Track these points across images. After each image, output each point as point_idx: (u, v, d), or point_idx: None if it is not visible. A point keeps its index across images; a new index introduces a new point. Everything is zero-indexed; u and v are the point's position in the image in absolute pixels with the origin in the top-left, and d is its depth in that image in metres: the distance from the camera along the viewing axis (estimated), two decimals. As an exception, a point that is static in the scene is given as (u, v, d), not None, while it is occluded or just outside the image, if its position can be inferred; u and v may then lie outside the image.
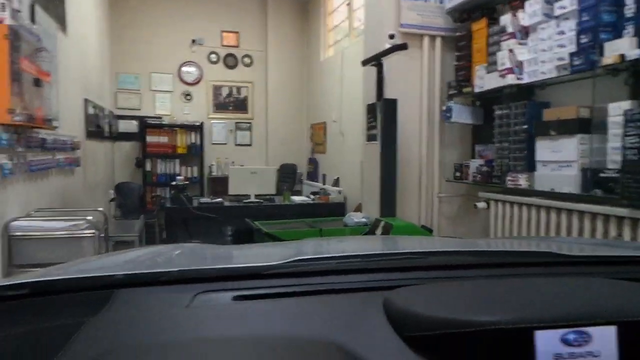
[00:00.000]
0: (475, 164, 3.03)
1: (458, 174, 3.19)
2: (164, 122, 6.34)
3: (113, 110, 6.19)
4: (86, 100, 4.47)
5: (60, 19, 3.61)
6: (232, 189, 4.55)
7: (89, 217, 2.68)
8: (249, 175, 4.64)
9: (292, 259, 0.77)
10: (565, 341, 0.53)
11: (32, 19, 2.88)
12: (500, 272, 0.78)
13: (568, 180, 2.24)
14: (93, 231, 2.60)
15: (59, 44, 3.49)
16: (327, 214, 4.23)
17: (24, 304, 0.65)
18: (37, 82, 2.68)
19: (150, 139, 6.19)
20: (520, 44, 2.56)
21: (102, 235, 2.78)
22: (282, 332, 0.56)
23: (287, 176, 6.02)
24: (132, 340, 0.54)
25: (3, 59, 2.28)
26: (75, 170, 3.94)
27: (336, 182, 5.53)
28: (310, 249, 1.08)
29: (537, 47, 2.45)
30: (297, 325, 0.57)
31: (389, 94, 3.18)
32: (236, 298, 0.66)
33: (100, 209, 3.32)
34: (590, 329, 0.52)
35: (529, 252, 0.98)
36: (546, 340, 0.53)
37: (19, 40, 2.39)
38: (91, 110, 4.69)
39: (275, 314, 0.61)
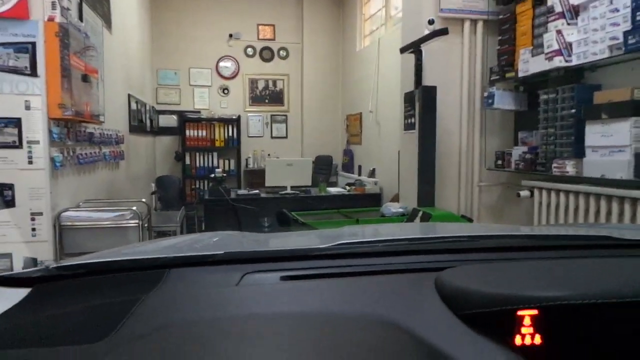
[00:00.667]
0: (518, 151, 2.92)
1: (499, 162, 3.08)
2: (202, 116, 6.48)
3: (154, 105, 6.38)
4: (129, 96, 4.63)
5: (106, 17, 3.74)
6: (269, 181, 4.60)
7: (134, 208, 2.77)
8: (285, 167, 4.67)
9: (338, 242, 0.76)
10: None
11: (80, 17, 2.99)
12: (554, 254, 0.75)
13: (620, 165, 2.12)
14: (137, 221, 2.69)
15: (104, 41, 3.62)
16: (364, 204, 4.21)
17: (83, 282, 0.68)
18: (85, 78, 2.80)
19: (189, 132, 6.35)
20: (569, 24, 2.44)
21: (146, 225, 2.88)
22: (331, 310, 0.55)
23: (323, 167, 6.03)
24: (185, 317, 0.55)
25: (54, 55, 2.39)
26: (120, 163, 4.09)
27: (372, 173, 5.48)
28: (354, 233, 1.07)
29: (588, 26, 2.32)
30: (347, 304, 0.57)
31: (427, 81, 3.11)
32: (284, 278, 0.66)
33: (144, 200, 3.44)
34: None
35: (583, 235, 0.94)
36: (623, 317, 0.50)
37: (68, 38, 2.50)
38: (134, 106, 4.85)
39: (325, 292, 0.61)
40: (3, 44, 2.31)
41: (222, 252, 0.74)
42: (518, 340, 0.50)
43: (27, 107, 2.36)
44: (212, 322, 0.53)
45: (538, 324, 0.51)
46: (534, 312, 0.50)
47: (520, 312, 0.50)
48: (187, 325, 0.53)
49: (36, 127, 2.38)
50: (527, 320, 0.50)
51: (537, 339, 0.50)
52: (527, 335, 0.50)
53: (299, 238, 1.15)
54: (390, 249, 0.77)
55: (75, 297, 0.63)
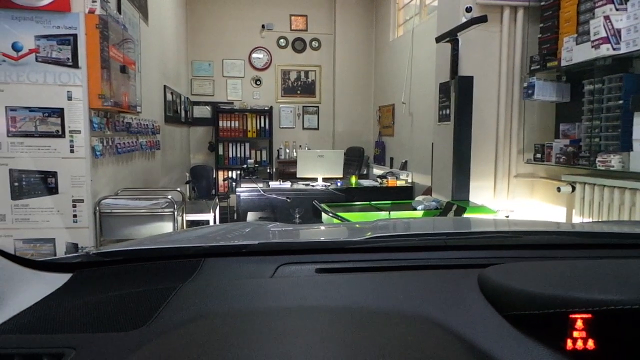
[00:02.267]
0: (559, 144, 2.81)
1: (539, 155, 2.97)
2: (235, 108, 6.56)
3: (188, 96, 6.49)
4: (165, 87, 4.72)
5: (143, 10, 3.81)
6: (300, 172, 4.60)
7: (169, 196, 2.84)
8: (317, 158, 4.67)
9: (373, 236, 0.75)
10: None
11: (119, 9, 3.06)
12: (602, 253, 0.71)
13: (672, 160, 2.00)
14: (172, 210, 2.75)
15: (141, 33, 3.70)
16: (395, 197, 4.16)
17: (121, 269, 0.70)
18: (124, 70, 2.87)
19: (222, 123, 6.44)
20: (617, 9, 2.30)
21: (180, 214, 2.94)
22: (368, 305, 0.54)
23: (354, 159, 5.99)
24: (221, 307, 0.55)
25: (95, 47, 2.46)
26: (156, 153, 4.19)
27: (404, 166, 5.41)
28: (390, 226, 1.05)
29: (638, 12, 2.19)
30: (383, 299, 0.56)
31: (464, 71, 3.02)
32: (319, 270, 0.66)
33: (178, 189, 3.51)
34: None
35: (632, 233, 0.89)
36: None
37: (107, 30, 2.56)
38: (169, 97, 4.95)
39: (360, 286, 0.60)
40: (46, 36, 2.40)
41: (256, 242, 0.74)
42: (569, 344, 0.47)
43: (69, 98, 2.45)
44: (248, 313, 0.53)
45: (591, 328, 0.48)
46: (588, 315, 0.47)
47: (573, 315, 0.47)
48: (223, 316, 0.53)
49: (77, 117, 2.46)
50: (579, 324, 0.48)
51: (590, 344, 0.47)
52: (579, 340, 0.48)
53: (332, 230, 1.14)
54: (428, 243, 0.75)
55: (114, 283, 0.65)
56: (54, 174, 2.45)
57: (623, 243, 0.77)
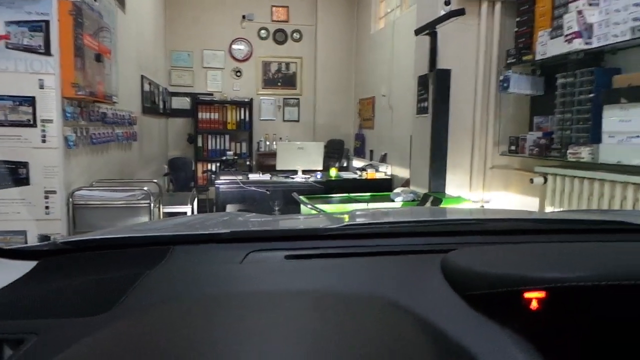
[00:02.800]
0: (532, 136, 2.87)
1: (513, 147, 3.03)
2: (214, 99, 6.49)
3: (167, 87, 6.39)
4: (142, 77, 4.64)
5: (118, -3, 3.73)
6: (280, 164, 4.60)
7: (145, 188, 2.80)
8: (297, 150, 4.66)
9: (345, 223, 0.76)
10: None
11: (92, -4, 2.99)
12: (564, 238, 0.74)
13: (637, 152, 2.07)
14: (148, 201, 2.72)
15: (118, 21, 3.62)
16: (374, 189, 4.19)
17: (89, 257, 0.69)
18: (99, 58, 2.80)
19: (201, 115, 6.37)
20: (590, 4, 2.35)
21: (157, 206, 2.91)
22: (336, 289, 0.55)
23: (335, 152, 6.01)
24: (188, 292, 0.56)
25: (68, 34, 2.40)
26: (133, 144, 4.13)
27: (384, 158, 5.45)
28: (362, 215, 1.07)
29: (610, 7, 2.24)
30: (351, 283, 0.57)
31: (442, 64, 3.06)
32: (288, 257, 0.66)
33: (155, 181, 3.47)
34: None
35: (596, 220, 0.92)
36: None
37: (82, 17, 2.50)
38: (147, 87, 4.86)
39: (328, 272, 0.60)
40: (18, 22, 2.32)
41: (227, 230, 0.74)
42: (523, 321, 0.49)
43: (41, 86, 2.38)
44: (215, 297, 0.53)
45: (545, 306, 0.49)
46: (541, 294, 0.49)
47: (526, 294, 0.49)
48: (189, 300, 0.53)
49: (50, 106, 2.40)
50: (534, 303, 0.49)
51: (544, 322, 0.49)
52: (533, 317, 0.49)
53: (307, 220, 1.15)
54: (397, 230, 0.77)
55: (81, 270, 0.64)
56: (24, 165, 2.39)
57: (583, 228, 0.80)
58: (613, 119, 2.21)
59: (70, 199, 2.52)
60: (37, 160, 2.39)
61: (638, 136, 2.09)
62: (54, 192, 2.43)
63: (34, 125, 2.38)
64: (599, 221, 0.91)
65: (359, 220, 0.86)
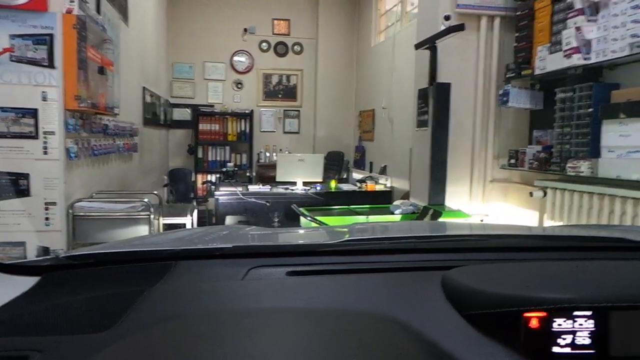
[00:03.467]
0: (532, 150, 2.88)
1: (513, 160, 3.04)
2: (215, 110, 6.52)
3: (168, 98, 6.43)
4: (144, 89, 4.67)
5: (123, 11, 3.77)
6: (280, 176, 4.60)
7: (146, 200, 2.80)
8: (297, 162, 4.67)
9: (345, 239, 0.76)
10: None
11: (98, 9, 3.03)
12: (564, 255, 0.74)
13: (636, 166, 2.08)
14: (148, 213, 2.72)
15: (121, 34, 3.65)
16: (374, 202, 4.19)
17: (92, 272, 0.69)
18: (102, 71, 2.83)
19: (202, 126, 6.39)
20: (589, 20, 2.38)
21: (157, 217, 2.91)
22: (337, 306, 0.55)
23: (334, 164, 6.02)
24: (189, 309, 0.55)
25: (72, 48, 2.42)
26: (133, 155, 4.14)
27: (383, 170, 5.46)
28: (362, 230, 1.07)
29: (608, 23, 2.27)
30: (352, 300, 0.57)
31: (442, 77, 3.08)
32: (290, 273, 0.66)
33: (155, 192, 3.47)
34: None
35: (595, 237, 0.92)
36: (623, 321, 0.49)
37: (85, 30, 2.52)
38: (148, 99, 4.89)
39: (329, 288, 0.60)
40: (22, 36, 2.35)
41: (229, 245, 0.74)
42: (524, 342, 0.49)
43: (44, 98, 2.40)
44: (216, 315, 0.53)
45: (545, 326, 0.49)
46: (542, 314, 0.49)
47: (527, 314, 0.49)
48: (191, 317, 0.53)
49: (52, 118, 2.41)
50: (534, 322, 0.49)
51: (544, 342, 0.49)
52: (534, 338, 0.49)
53: (307, 234, 1.15)
54: (398, 246, 0.77)
55: (83, 286, 0.64)
56: (26, 176, 2.39)
57: (584, 246, 0.80)
58: (612, 133, 2.22)
59: (70, 211, 2.52)
60: (38, 171, 2.40)
61: (637, 151, 2.10)
62: (54, 203, 2.44)
63: (35, 137, 2.39)
64: (598, 238, 0.91)
65: (359, 236, 0.86)
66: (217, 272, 0.68)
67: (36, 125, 2.39)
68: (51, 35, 2.39)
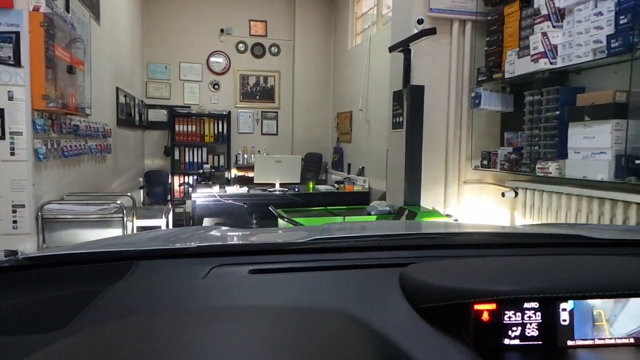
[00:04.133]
0: (503, 151, 2.95)
1: (485, 161, 3.11)
2: (192, 112, 6.45)
3: (143, 99, 6.33)
4: (118, 89, 4.58)
5: (94, 9, 3.70)
6: (258, 177, 4.59)
7: (119, 202, 2.75)
8: (274, 163, 4.67)
9: (310, 238, 0.77)
10: (594, 314, 0.52)
11: (67, 8, 2.96)
12: (521, 252, 0.76)
13: (601, 167, 2.15)
14: (121, 215, 2.67)
15: (92, 33, 3.58)
16: (352, 203, 4.22)
17: (51, 273, 0.68)
18: (71, 70, 2.76)
19: (178, 127, 6.31)
20: (554, 27, 2.46)
21: (130, 219, 2.86)
22: (297, 303, 0.56)
23: (312, 165, 6.03)
24: (148, 307, 0.55)
25: (39, 46, 2.36)
26: (107, 157, 4.06)
27: (361, 172, 5.50)
28: (331, 229, 1.08)
29: (573, 29, 2.34)
30: (311, 297, 0.58)
31: (416, 80, 3.12)
32: (252, 272, 0.67)
33: (129, 194, 3.41)
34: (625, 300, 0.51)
35: (554, 234, 0.95)
36: (575, 313, 0.51)
37: (53, 28, 2.47)
38: (122, 99, 4.80)
39: (291, 286, 0.61)
40: (-14, 34, 2.28)
41: (193, 245, 0.74)
42: (473, 333, 0.50)
43: (10, 98, 2.34)
44: (175, 312, 0.53)
45: (496, 319, 0.51)
46: (492, 306, 0.51)
47: (477, 306, 0.51)
48: (149, 315, 0.53)
49: (19, 118, 2.35)
50: (485, 315, 0.51)
51: (495, 334, 0.51)
52: (485, 330, 0.51)
53: (275, 233, 1.16)
54: (361, 244, 0.78)
55: (41, 287, 0.63)
56: (-8, 178, 2.32)
57: (541, 242, 0.83)
58: (577, 135, 2.30)
59: (40, 213, 2.45)
60: (5, 173, 2.33)
61: (601, 152, 2.18)
62: (22, 206, 2.37)
63: (2, 137, 2.33)
64: (556, 235, 0.94)
65: (325, 235, 0.87)
66: (178, 271, 0.68)
67: (2, 126, 2.33)
68: (17, 33, 2.33)
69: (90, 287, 0.61)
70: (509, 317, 0.51)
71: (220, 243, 0.86)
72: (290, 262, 0.70)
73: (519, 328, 0.51)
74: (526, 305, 0.51)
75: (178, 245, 0.78)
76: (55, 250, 0.78)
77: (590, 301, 0.52)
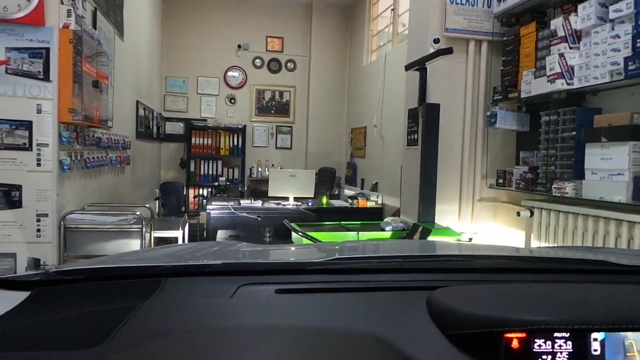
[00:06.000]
0: (519, 170, 2.95)
1: (501, 180, 3.11)
2: (208, 125, 6.55)
3: (161, 112, 6.46)
4: (138, 102, 4.70)
5: (118, 26, 3.82)
6: (272, 191, 4.63)
7: (138, 213, 2.81)
8: (288, 177, 4.71)
9: (334, 257, 0.77)
10: (625, 345, 0.51)
11: (94, 24, 3.07)
12: (548, 277, 0.76)
13: (618, 189, 2.15)
14: (140, 226, 2.72)
15: (116, 48, 3.69)
16: (365, 218, 4.22)
17: (81, 288, 0.70)
18: (96, 84, 2.86)
19: (195, 140, 6.41)
20: (571, 48, 2.48)
21: (148, 230, 2.91)
22: (323, 324, 0.56)
23: (326, 180, 6.06)
24: (178, 326, 0.57)
25: (67, 61, 2.46)
26: (126, 168, 4.14)
27: (375, 187, 5.51)
28: (351, 249, 1.08)
29: (590, 51, 2.36)
30: (337, 319, 0.58)
31: (431, 98, 3.15)
32: (278, 291, 0.67)
33: (147, 205, 3.47)
34: None
35: (579, 259, 0.94)
36: (606, 343, 0.51)
37: (81, 45, 2.56)
38: (142, 112, 4.92)
39: (317, 307, 0.62)
40: (18, 49, 2.38)
41: (219, 262, 0.76)
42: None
43: (39, 111, 2.42)
44: (205, 332, 0.55)
45: (525, 347, 0.51)
46: (522, 335, 0.51)
47: (507, 335, 0.51)
48: (180, 335, 0.54)
49: (46, 131, 2.43)
50: (514, 343, 0.51)
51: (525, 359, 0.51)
52: (514, 358, 0.51)
53: (297, 251, 1.16)
54: (385, 266, 0.78)
55: (73, 302, 0.65)
56: (18, 187, 2.40)
57: (568, 268, 0.82)
58: (594, 156, 2.29)
59: (62, 223, 2.52)
60: (31, 183, 2.41)
61: (618, 174, 2.17)
62: (46, 215, 2.44)
63: (29, 148, 2.41)
64: (581, 260, 0.93)
65: (348, 254, 0.87)
66: (206, 289, 0.69)
67: (30, 137, 2.41)
68: (47, 49, 2.43)
69: (121, 304, 0.62)
70: (539, 346, 0.51)
71: (245, 261, 0.87)
72: (315, 283, 0.71)
73: (549, 357, 0.51)
74: (557, 334, 0.52)
75: (204, 262, 0.80)
76: (84, 265, 0.80)
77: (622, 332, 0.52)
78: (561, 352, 0.51)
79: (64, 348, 0.53)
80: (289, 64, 6.97)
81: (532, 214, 2.85)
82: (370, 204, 4.89)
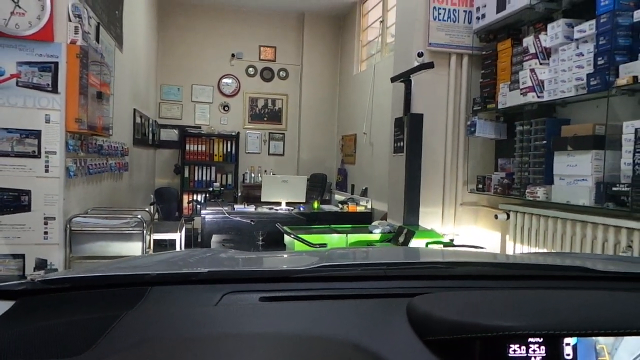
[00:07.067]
0: (497, 176, 3.16)
1: (480, 185, 3.32)
2: (202, 132, 6.71)
3: (156, 119, 6.61)
4: (135, 110, 4.85)
5: (118, 38, 3.99)
6: (265, 196, 4.78)
7: (139, 216, 2.97)
8: (281, 183, 4.87)
9: (318, 265, 0.79)
10: (596, 349, 0.53)
11: (97, 38, 3.24)
12: (525, 284, 0.78)
13: (583, 193, 2.36)
14: (141, 229, 2.88)
15: (116, 59, 3.86)
16: (355, 222, 4.39)
17: (67, 297, 0.70)
18: (100, 95, 3.02)
19: (189, 147, 6.56)
20: (541, 64, 2.70)
21: (149, 233, 3.07)
22: (305, 332, 0.58)
23: (317, 185, 6.24)
24: (163, 335, 0.58)
25: (74, 75, 2.62)
26: (124, 174, 4.29)
27: (364, 192, 5.70)
28: (337, 256, 1.08)
29: (557, 67, 2.58)
30: (320, 326, 0.59)
31: (415, 108, 3.36)
32: (263, 299, 0.69)
33: (146, 209, 3.63)
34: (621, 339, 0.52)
35: (555, 266, 0.95)
36: (578, 348, 0.53)
37: (87, 59, 2.73)
38: (138, 120, 5.07)
39: (300, 315, 0.63)
40: (29, 63, 2.54)
41: (204, 270, 0.76)
42: None
43: (47, 121, 2.58)
44: (189, 340, 0.55)
45: (500, 352, 0.53)
46: (497, 340, 0.52)
47: (483, 340, 0.52)
48: (164, 343, 0.55)
49: (54, 139, 2.59)
50: (489, 348, 0.52)
51: None
52: None
53: (283, 259, 1.19)
54: (368, 273, 0.80)
55: (58, 311, 0.65)
56: (27, 192, 2.55)
57: (545, 274, 0.86)
58: (562, 163, 2.51)
59: (68, 225, 2.67)
60: (40, 188, 2.56)
61: (583, 179, 2.39)
62: (53, 218, 2.59)
63: (38, 156, 2.56)
64: (560, 266, 0.94)
65: (333, 262, 0.87)
66: (191, 298, 0.69)
67: (39, 146, 2.57)
68: (56, 63, 2.59)
69: (106, 312, 0.62)
70: (514, 351, 0.53)
71: (230, 269, 0.89)
72: (299, 290, 0.72)
73: None
74: (531, 340, 0.53)
75: (189, 270, 0.81)
76: (71, 273, 0.82)
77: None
78: (535, 357, 0.52)
79: (46, 357, 0.53)
80: (281, 72, 7.17)
81: (508, 217, 3.06)
82: (360, 209, 5.07)
